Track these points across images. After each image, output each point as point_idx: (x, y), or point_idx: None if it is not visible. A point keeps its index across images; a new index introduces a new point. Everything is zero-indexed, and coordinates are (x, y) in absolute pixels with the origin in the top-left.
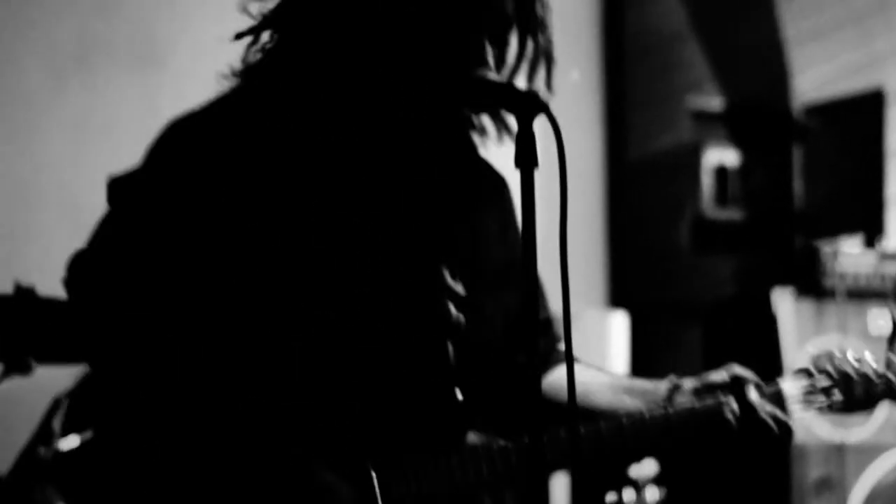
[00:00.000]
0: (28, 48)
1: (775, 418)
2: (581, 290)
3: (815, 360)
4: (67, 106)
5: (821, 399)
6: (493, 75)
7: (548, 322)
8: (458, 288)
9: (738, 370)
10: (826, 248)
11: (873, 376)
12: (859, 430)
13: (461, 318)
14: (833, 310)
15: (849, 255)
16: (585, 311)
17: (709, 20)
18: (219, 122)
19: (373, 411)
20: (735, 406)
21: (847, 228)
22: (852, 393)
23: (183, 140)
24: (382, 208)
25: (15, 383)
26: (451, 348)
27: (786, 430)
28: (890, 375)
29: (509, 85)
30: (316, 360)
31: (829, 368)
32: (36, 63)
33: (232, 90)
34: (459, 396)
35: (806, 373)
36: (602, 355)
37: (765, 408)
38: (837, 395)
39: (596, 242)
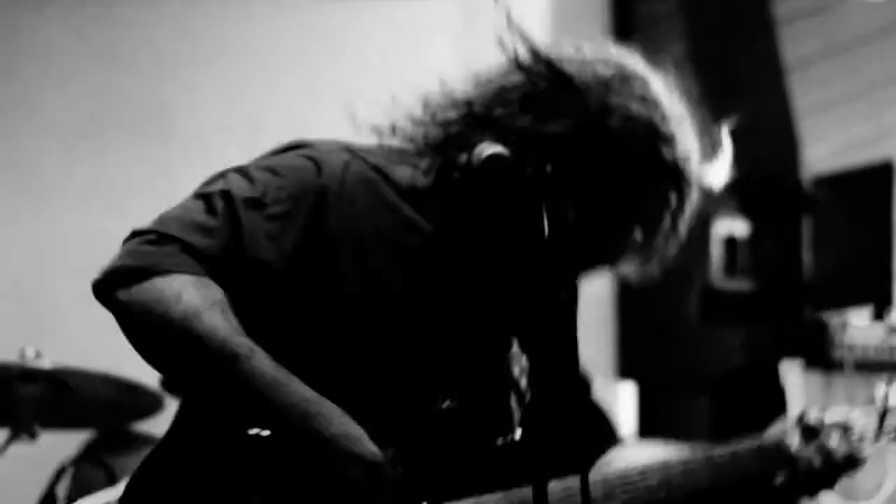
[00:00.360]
0: (38, 118)
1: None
2: (590, 359)
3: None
4: (77, 174)
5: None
6: (502, 152)
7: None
8: (524, 360)
9: (804, 416)
10: (835, 319)
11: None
12: (868, 501)
13: (526, 385)
14: (841, 382)
15: (857, 327)
16: (594, 380)
17: (720, 91)
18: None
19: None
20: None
21: (856, 300)
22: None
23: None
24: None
25: (20, 448)
26: (515, 406)
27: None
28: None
29: (518, 160)
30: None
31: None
32: (46, 132)
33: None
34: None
35: (876, 408)
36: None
37: (836, 443)
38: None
39: (605, 312)
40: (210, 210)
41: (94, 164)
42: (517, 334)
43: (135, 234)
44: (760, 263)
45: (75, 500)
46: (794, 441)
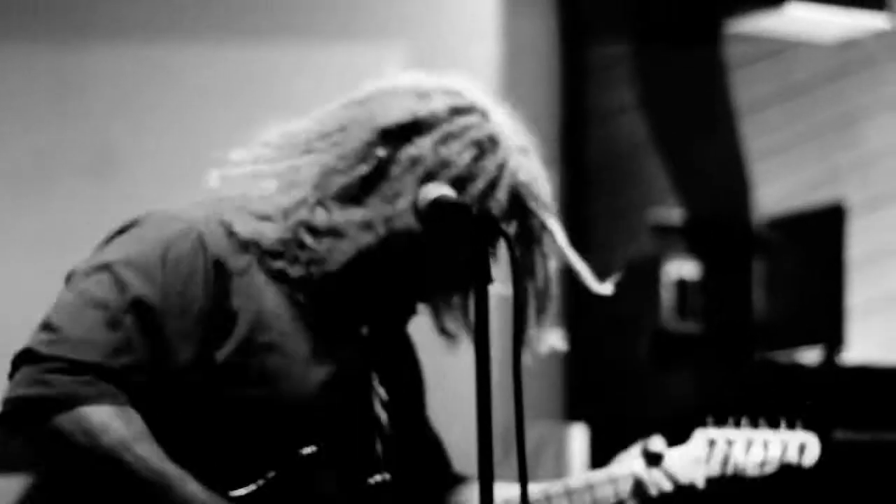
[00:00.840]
0: None
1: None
2: (538, 401)
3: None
4: (24, 219)
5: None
6: (448, 195)
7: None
8: (383, 394)
9: (648, 444)
10: (785, 359)
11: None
12: None
13: (384, 416)
14: None
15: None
16: (542, 423)
17: (670, 134)
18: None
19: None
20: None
21: (807, 340)
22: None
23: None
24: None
25: None
26: (378, 444)
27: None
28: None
29: (463, 203)
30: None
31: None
32: None
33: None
34: (387, 476)
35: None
36: (561, 467)
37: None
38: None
39: (553, 356)
40: (114, 323)
41: (39, 207)
42: (376, 368)
43: (38, 357)
44: (711, 305)
45: None
46: (638, 467)
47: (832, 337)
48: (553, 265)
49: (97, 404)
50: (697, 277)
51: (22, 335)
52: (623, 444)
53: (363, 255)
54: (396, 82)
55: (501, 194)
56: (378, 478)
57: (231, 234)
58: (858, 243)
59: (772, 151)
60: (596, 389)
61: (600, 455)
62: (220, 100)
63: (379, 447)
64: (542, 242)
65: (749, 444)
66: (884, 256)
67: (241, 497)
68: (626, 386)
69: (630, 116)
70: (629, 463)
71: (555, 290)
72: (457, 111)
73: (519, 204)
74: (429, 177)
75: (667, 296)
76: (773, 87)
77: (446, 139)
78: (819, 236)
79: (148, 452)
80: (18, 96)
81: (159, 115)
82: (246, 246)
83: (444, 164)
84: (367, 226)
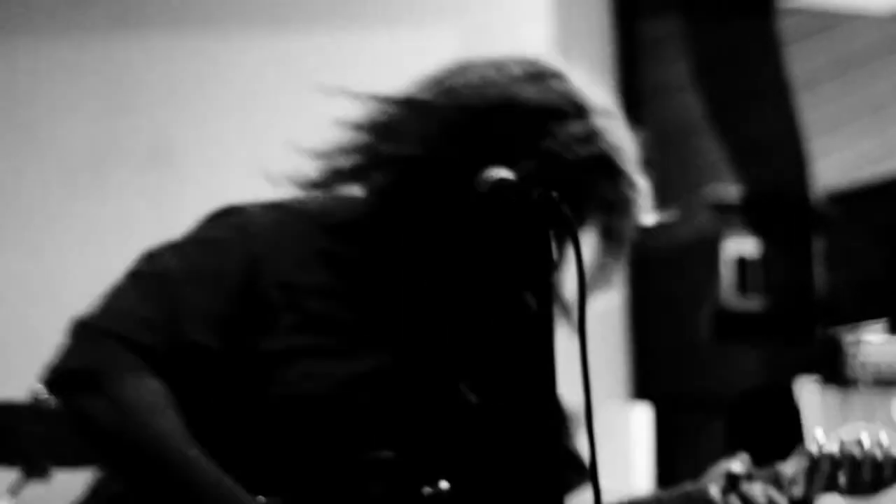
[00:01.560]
0: (41, 152)
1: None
2: (603, 382)
3: (820, 442)
4: (80, 209)
5: (823, 482)
6: (509, 178)
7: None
8: (471, 397)
9: (730, 465)
10: (849, 337)
11: (882, 459)
12: None
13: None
14: (858, 399)
15: (872, 343)
16: (608, 403)
17: (725, 110)
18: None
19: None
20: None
21: (870, 317)
22: (858, 477)
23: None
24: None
25: (34, 490)
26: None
27: None
28: None
29: (524, 185)
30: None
31: (835, 451)
32: (49, 167)
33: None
34: (444, 486)
35: (808, 455)
36: (625, 448)
37: (758, 492)
38: (842, 479)
39: (618, 334)
40: (148, 298)
41: (96, 199)
42: (469, 373)
43: (77, 326)
44: (772, 282)
45: None
46: (714, 490)
47: (895, 312)
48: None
49: (123, 380)
50: (757, 254)
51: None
52: (685, 423)
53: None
54: (469, 59)
55: (592, 160)
56: (433, 488)
57: (295, 218)
58: None
59: (829, 125)
60: (659, 369)
61: (664, 434)
62: (275, 89)
63: (449, 450)
64: (634, 207)
65: (856, 467)
66: None
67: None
68: (688, 365)
69: (685, 93)
70: (708, 483)
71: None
72: (536, 77)
73: (611, 167)
74: (518, 147)
75: (727, 274)
76: (828, 60)
77: (532, 110)
78: (879, 210)
79: (168, 429)
80: (73, 89)
81: (215, 106)
82: (313, 226)
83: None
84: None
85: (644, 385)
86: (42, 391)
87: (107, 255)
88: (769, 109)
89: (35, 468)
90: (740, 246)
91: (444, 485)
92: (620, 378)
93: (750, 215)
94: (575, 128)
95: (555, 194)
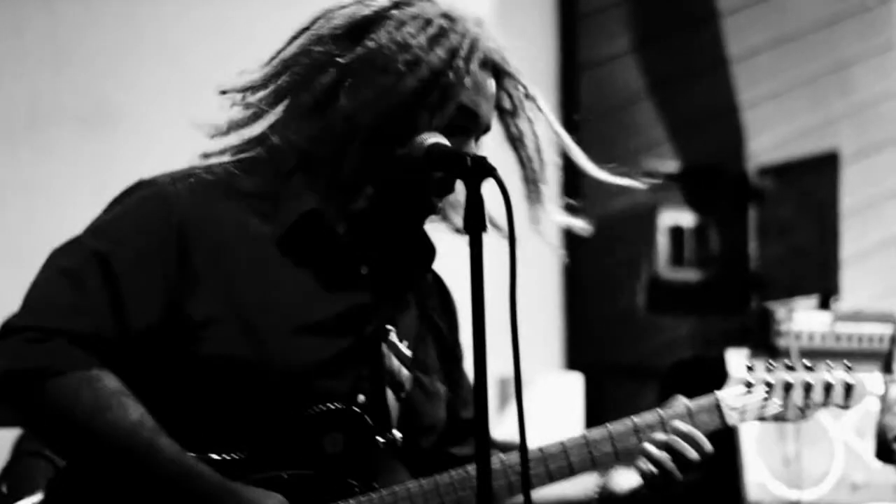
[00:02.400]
0: None
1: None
2: (537, 352)
3: (754, 370)
4: (19, 169)
5: (759, 406)
6: (441, 142)
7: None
8: (404, 349)
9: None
10: (781, 308)
11: (814, 383)
12: (815, 488)
13: (404, 373)
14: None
15: (803, 315)
16: (541, 373)
17: (664, 83)
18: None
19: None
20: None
21: (802, 290)
22: (790, 400)
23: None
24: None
25: None
26: (391, 396)
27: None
28: (827, 378)
29: (458, 151)
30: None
31: (768, 377)
32: None
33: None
34: (398, 436)
35: (745, 383)
36: (557, 417)
37: (697, 418)
38: (776, 403)
39: (552, 305)
40: (80, 286)
41: (37, 160)
42: (394, 322)
43: (11, 329)
44: (707, 254)
45: (18, 495)
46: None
47: (827, 285)
48: (540, 131)
49: (67, 373)
50: (692, 226)
51: (9, 277)
52: (618, 393)
53: (352, 177)
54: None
55: (473, 66)
56: (387, 437)
57: (207, 184)
58: (851, 191)
59: (765, 99)
60: (593, 339)
61: (596, 404)
62: (218, 47)
63: (393, 403)
64: (525, 108)
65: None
66: (878, 203)
67: (228, 460)
68: (621, 334)
69: (624, 65)
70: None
71: (547, 156)
72: (402, 3)
73: (496, 71)
74: (391, 67)
75: (662, 244)
76: (767, 34)
77: (399, 26)
78: (813, 184)
79: (119, 418)
80: (11, 49)
81: (153, 69)
82: (226, 192)
83: (403, 47)
84: (341, 125)
85: (577, 355)
86: None
87: (46, 213)
88: (707, 83)
89: None
90: (676, 217)
91: (397, 434)
92: (554, 348)
93: (686, 187)
94: (452, 38)
95: (488, 159)
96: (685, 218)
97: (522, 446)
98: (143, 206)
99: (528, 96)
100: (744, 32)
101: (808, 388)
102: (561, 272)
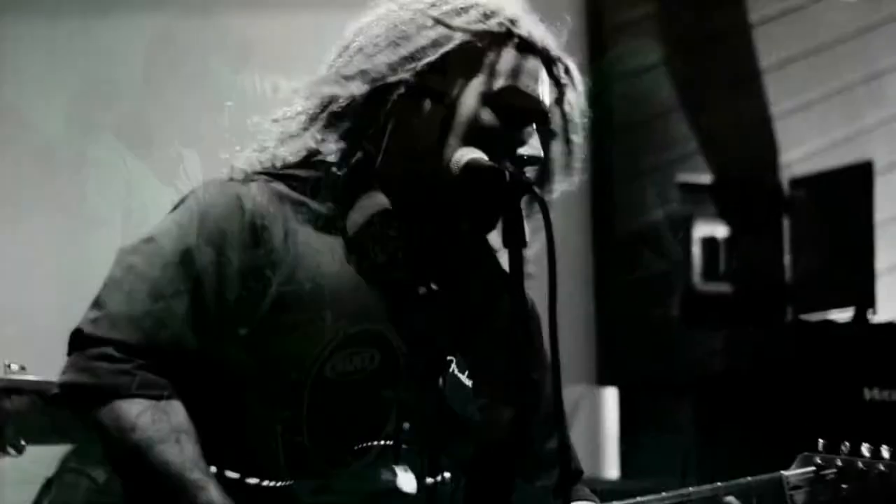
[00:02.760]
0: None
1: None
2: (571, 366)
3: (825, 451)
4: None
5: (826, 491)
6: (480, 159)
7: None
8: (465, 379)
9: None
10: (816, 319)
11: (887, 470)
12: None
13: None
14: None
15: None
16: (576, 387)
17: (697, 94)
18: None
19: None
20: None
21: (837, 301)
22: (863, 489)
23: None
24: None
25: (5, 463)
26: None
27: None
28: None
29: (496, 167)
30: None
31: (839, 461)
32: None
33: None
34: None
35: (813, 462)
36: (593, 431)
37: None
38: (845, 490)
39: (585, 317)
40: (156, 294)
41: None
42: (460, 351)
43: (87, 339)
44: (741, 266)
45: None
46: None
47: (862, 297)
48: (579, 113)
49: (133, 397)
50: (726, 238)
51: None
52: (653, 406)
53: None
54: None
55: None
56: (438, 478)
57: (274, 190)
58: (885, 202)
59: (798, 111)
60: (627, 352)
61: (631, 418)
62: None
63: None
64: (568, 88)
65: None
66: None
67: (271, 486)
68: (656, 347)
69: (657, 76)
70: None
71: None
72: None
73: (537, 52)
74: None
75: (696, 256)
76: (799, 45)
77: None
78: (847, 195)
79: (171, 455)
80: None
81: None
82: (291, 200)
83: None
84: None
85: (612, 369)
86: (16, 366)
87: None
88: (741, 94)
89: (8, 443)
90: (710, 229)
91: (447, 476)
92: (588, 362)
93: (720, 199)
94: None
95: (527, 174)
96: (719, 230)
97: (564, 464)
98: (215, 207)
99: (568, 73)
100: (776, 44)
101: (881, 476)
102: (593, 285)
